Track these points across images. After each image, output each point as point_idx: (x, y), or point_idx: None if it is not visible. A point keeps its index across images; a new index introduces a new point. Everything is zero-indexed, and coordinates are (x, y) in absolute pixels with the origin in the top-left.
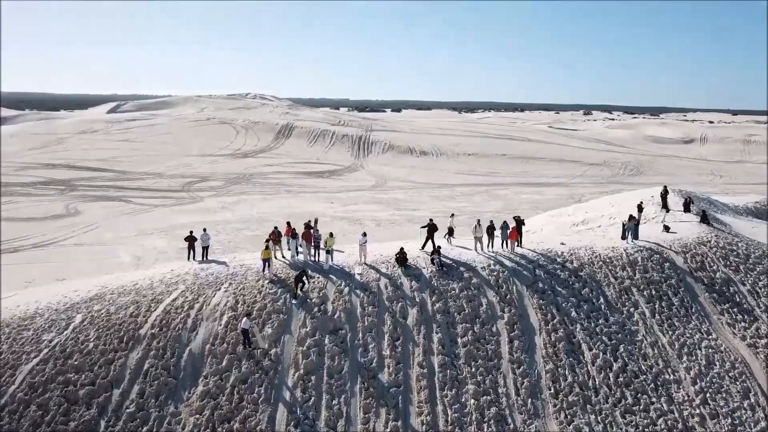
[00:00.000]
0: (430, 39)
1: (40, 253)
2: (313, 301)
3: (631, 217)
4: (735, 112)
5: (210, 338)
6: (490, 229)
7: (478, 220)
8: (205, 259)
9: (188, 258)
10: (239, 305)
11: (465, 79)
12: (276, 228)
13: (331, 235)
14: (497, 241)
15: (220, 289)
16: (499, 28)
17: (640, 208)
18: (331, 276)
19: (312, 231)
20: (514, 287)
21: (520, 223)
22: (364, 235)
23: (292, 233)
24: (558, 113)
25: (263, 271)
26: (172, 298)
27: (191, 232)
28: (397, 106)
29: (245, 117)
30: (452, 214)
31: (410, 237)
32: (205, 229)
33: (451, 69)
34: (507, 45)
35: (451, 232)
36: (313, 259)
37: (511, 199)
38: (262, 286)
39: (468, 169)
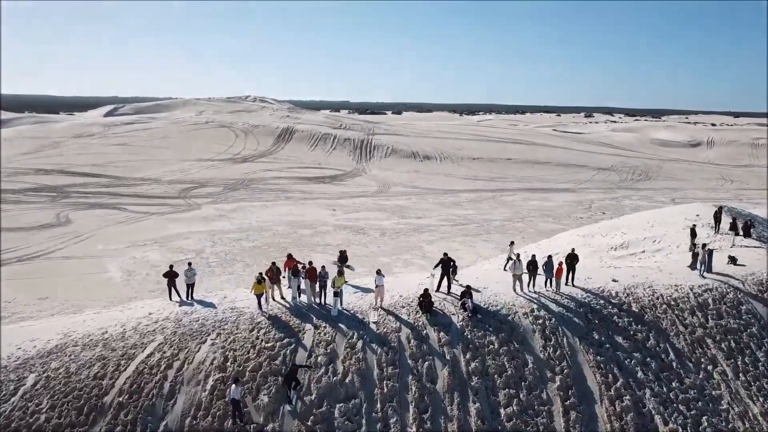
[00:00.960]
0: (429, 40)
1: (26, 268)
2: (320, 359)
3: (703, 246)
4: (737, 115)
5: (191, 409)
6: (532, 266)
7: (518, 255)
8: (189, 298)
9: (169, 297)
10: (228, 363)
11: (464, 81)
12: (274, 264)
13: (340, 273)
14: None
15: (205, 341)
16: (498, 28)
17: (693, 233)
18: (340, 325)
19: (320, 267)
20: (565, 339)
21: (574, 258)
22: (380, 273)
23: (293, 269)
24: (559, 115)
25: (260, 308)
26: (146, 353)
27: (171, 267)
28: (397, 108)
29: (245, 120)
30: (512, 242)
31: (415, 248)
32: (190, 264)
33: (451, 71)
34: (506, 46)
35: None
36: (318, 301)
37: (519, 205)
38: (257, 338)
39: (473, 174)
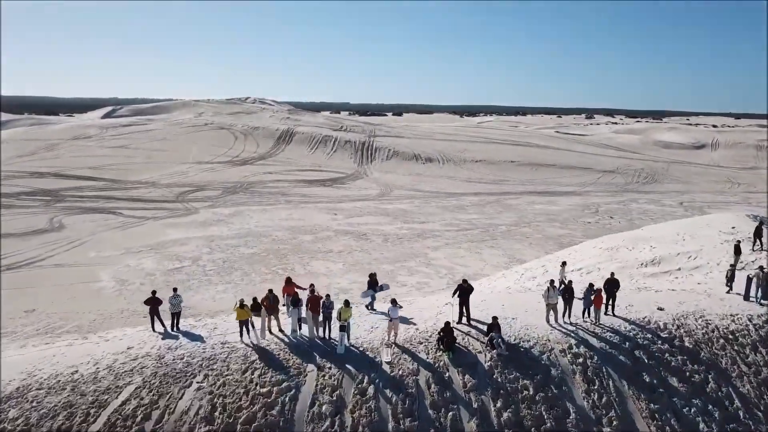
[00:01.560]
0: (429, 41)
1: (14, 277)
2: (324, 408)
3: (761, 268)
4: (737, 116)
5: None
6: (568, 293)
7: (551, 281)
8: (175, 329)
9: (152, 327)
10: (217, 414)
11: (465, 82)
12: (270, 291)
13: (347, 304)
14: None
15: (190, 384)
16: (496, 29)
17: (738, 250)
18: (347, 366)
19: (323, 297)
20: (611, 382)
21: (615, 284)
22: (395, 303)
23: (293, 297)
24: (560, 117)
25: (242, 337)
26: (121, 400)
27: (154, 293)
28: (397, 110)
29: (244, 122)
30: (563, 263)
31: (420, 254)
32: (175, 290)
33: (451, 72)
34: (505, 47)
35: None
36: (321, 335)
37: (524, 210)
38: (251, 381)
39: (476, 177)
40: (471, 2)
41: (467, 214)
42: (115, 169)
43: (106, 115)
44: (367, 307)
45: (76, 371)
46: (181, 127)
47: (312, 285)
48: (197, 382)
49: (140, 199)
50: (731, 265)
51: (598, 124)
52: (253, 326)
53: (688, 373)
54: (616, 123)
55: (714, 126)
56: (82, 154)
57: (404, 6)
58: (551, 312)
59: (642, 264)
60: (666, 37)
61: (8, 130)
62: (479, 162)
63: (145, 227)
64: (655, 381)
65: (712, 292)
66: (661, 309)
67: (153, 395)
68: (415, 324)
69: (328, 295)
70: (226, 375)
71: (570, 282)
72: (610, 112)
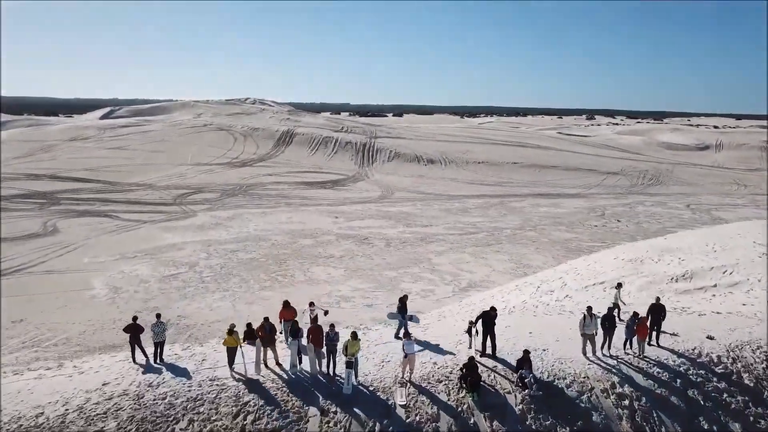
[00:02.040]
0: (429, 42)
1: (4, 284)
2: None
3: None
4: (738, 117)
5: None
6: (608, 321)
7: (589, 308)
8: (158, 361)
9: (132, 358)
10: None
11: (464, 83)
12: (266, 320)
13: (354, 336)
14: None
15: None
16: (496, 29)
17: None
18: (355, 410)
19: (326, 327)
20: (663, 429)
21: (660, 311)
22: (410, 337)
23: (292, 327)
24: (561, 118)
25: (231, 369)
26: None
27: (135, 318)
28: (397, 110)
29: (244, 123)
30: (619, 284)
31: (424, 260)
32: (158, 316)
33: (451, 72)
34: (505, 47)
35: (616, 312)
36: (325, 371)
37: (528, 212)
38: (242, 428)
39: (479, 179)
40: (472, 2)
41: (471, 217)
42: (113, 170)
43: (105, 116)
44: (396, 335)
45: (42, 413)
46: (180, 128)
47: (312, 303)
48: (180, 429)
49: (137, 201)
50: None
51: (599, 125)
52: (243, 356)
53: (752, 418)
54: (617, 124)
55: (715, 127)
56: (80, 155)
57: (404, 6)
58: (588, 342)
59: (672, 279)
60: (665, 37)
61: (5, 131)
62: (481, 163)
63: (142, 231)
64: (715, 428)
65: (763, 316)
66: (711, 338)
67: None
68: (433, 354)
69: (332, 326)
70: (214, 420)
71: (612, 308)
72: (610, 113)
